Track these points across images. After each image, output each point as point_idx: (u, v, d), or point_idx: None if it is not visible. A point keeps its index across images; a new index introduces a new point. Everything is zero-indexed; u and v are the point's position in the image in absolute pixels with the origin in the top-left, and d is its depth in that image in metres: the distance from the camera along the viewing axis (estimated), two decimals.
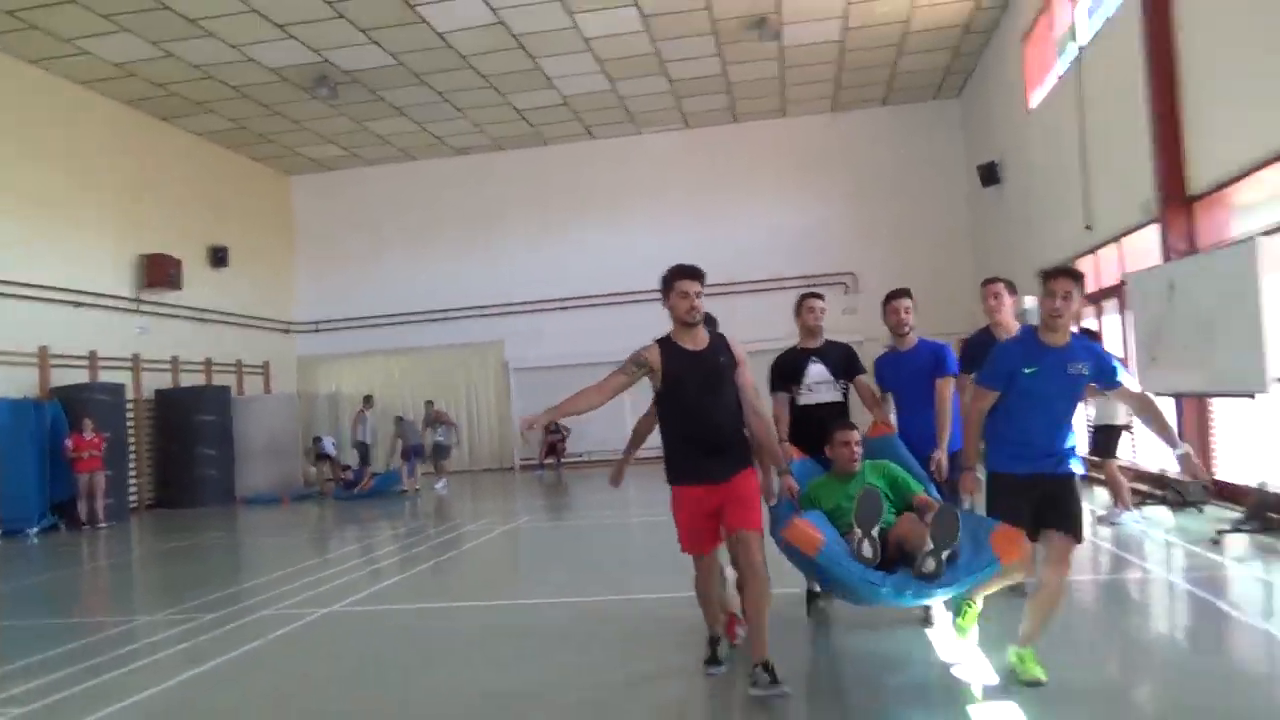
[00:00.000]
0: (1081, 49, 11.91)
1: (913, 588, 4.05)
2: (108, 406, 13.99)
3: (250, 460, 17.00)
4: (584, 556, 9.09)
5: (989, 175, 16.78)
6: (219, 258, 18.23)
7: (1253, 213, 8.40)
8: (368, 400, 17.82)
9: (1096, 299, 11.97)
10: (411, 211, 21.07)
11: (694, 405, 4.28)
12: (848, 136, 19.88)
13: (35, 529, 12.62)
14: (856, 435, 4.82)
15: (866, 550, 4.18)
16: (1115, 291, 11.37)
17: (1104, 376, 4.18)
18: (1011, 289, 5.59)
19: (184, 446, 15.80)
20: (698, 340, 4.37)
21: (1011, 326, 5.44)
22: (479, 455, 20.58)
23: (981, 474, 4.43)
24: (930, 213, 19.39)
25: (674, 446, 4.38)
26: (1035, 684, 4.02)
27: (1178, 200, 9.39)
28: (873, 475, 4.81)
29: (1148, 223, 9.99)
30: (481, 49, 15.49)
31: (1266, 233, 7.28)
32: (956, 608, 4.58)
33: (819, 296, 5.63)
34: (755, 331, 18.45)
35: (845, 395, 5.46)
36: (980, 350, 5.12)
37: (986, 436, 4.29)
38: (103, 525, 13.01)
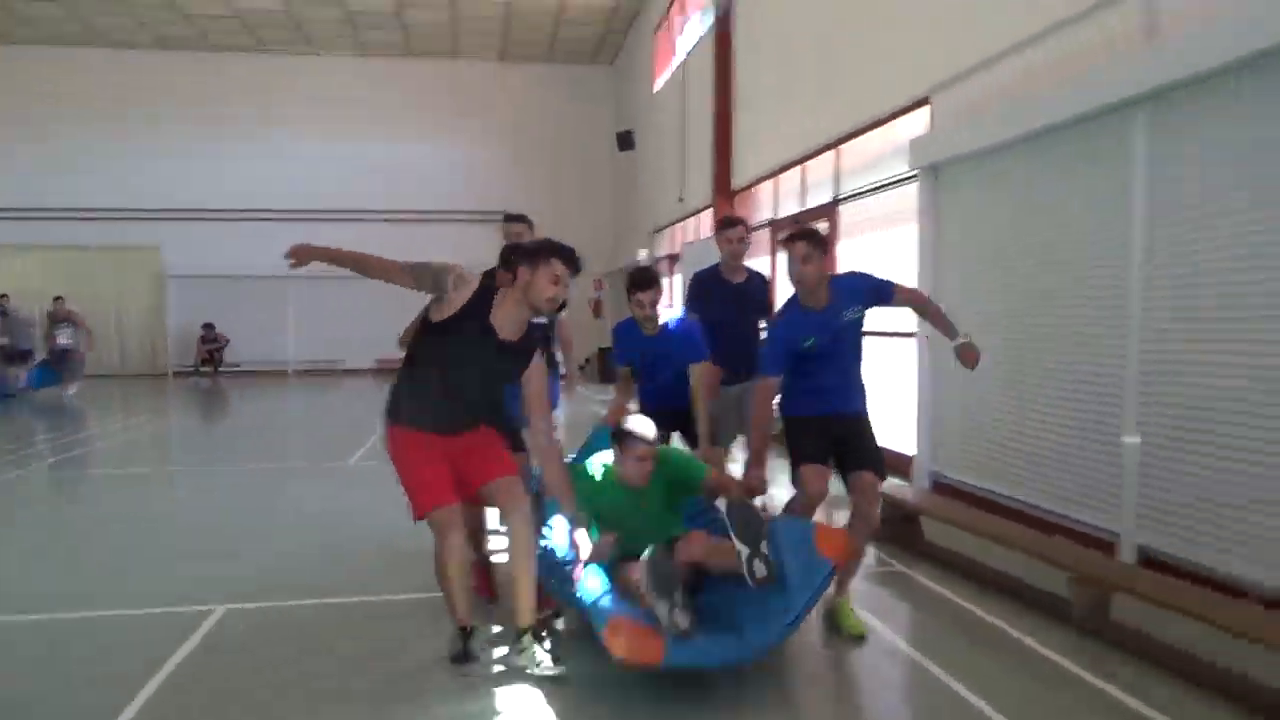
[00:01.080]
0: (686, 56, 14.76)
1: (757, 628, 3.32)
2: None
3: None
4: (240, 445, 10.56)
5: (624, 141, 19.50)
6: None
7: (766, 207, 11.60)
8: (3, 298, 17.18)
9: (673, 260, 15.11)
10: (54, 100, 19.96)
11: (459, 379, 3.46)
12: (514, 86, 21.80)
13: None
14: (654, 451, 3.83)
15: (681, 621, 3.26)
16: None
17: (880, 297, 4.05)
18: (748, 229, 5.39)
19: None
20: (519, 324, 3.49)
21: (741, 270, 5.29)
22: (130, 361, 20.53)
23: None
24: (582, 165, 21.91)
25: (414, 392, 3.50)
26: (860, 638, 3.86)
27: (725, 191, 12.47)
28: (657, 486, 3.88)
29: (707, 205, 13.05)
30: None
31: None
32: (829, 617, 4.07)
33: (521, 220, 5.12)
34: (424, 256, 20.14)
35: (551, 326, 5.01)
36: (709, 287, 5.17)
37: (781, 391, 4.11)
38: None
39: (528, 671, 3.40)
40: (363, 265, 3.38)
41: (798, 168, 10.00)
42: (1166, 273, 4.49)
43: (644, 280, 4.61)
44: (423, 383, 3.48)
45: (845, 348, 4.07)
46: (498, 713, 3.21)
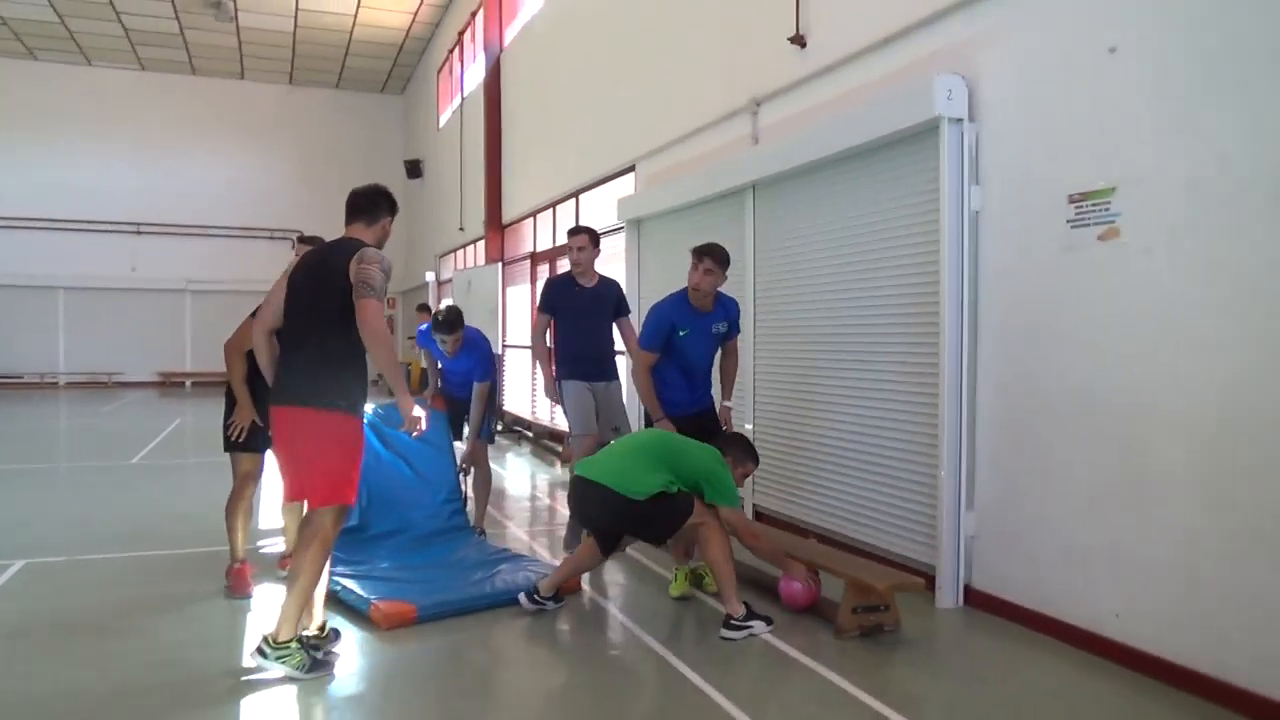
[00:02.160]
0: (463, 99, 16.16)
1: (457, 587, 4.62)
2: None
3: None
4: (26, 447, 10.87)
5: (413, 170, 20.66)
6: None
7: (528, 240, 13.16)
8: None
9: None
10: None
11: None
12: (304, 108, 22.42)
13: None
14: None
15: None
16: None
17: (732, 331, 5.05)
18: (595, 240, 5.79)
19: None
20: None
21: (592, 275, 5.79)
22: None
23: None
24: None
25: (359, 374, 3.70)
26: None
27: (496, 224, 13.94)
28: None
29: (480, 237, 14.48)
30: None
31: (506, 262, 11.96)
32: (698, 579, 4.87)
33: (315, 241, 5.13)
34: (209, 272, 20.57)
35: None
36: (559, 292, 5.71)
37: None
38: None
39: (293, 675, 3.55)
40: (387, 342, 3.57)
41: (550, 210, 11.63)
42: (767, 304, 6.35)
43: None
44: (362, 362, 3.61)
45: (706, 353, 4.97)
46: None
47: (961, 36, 4.55)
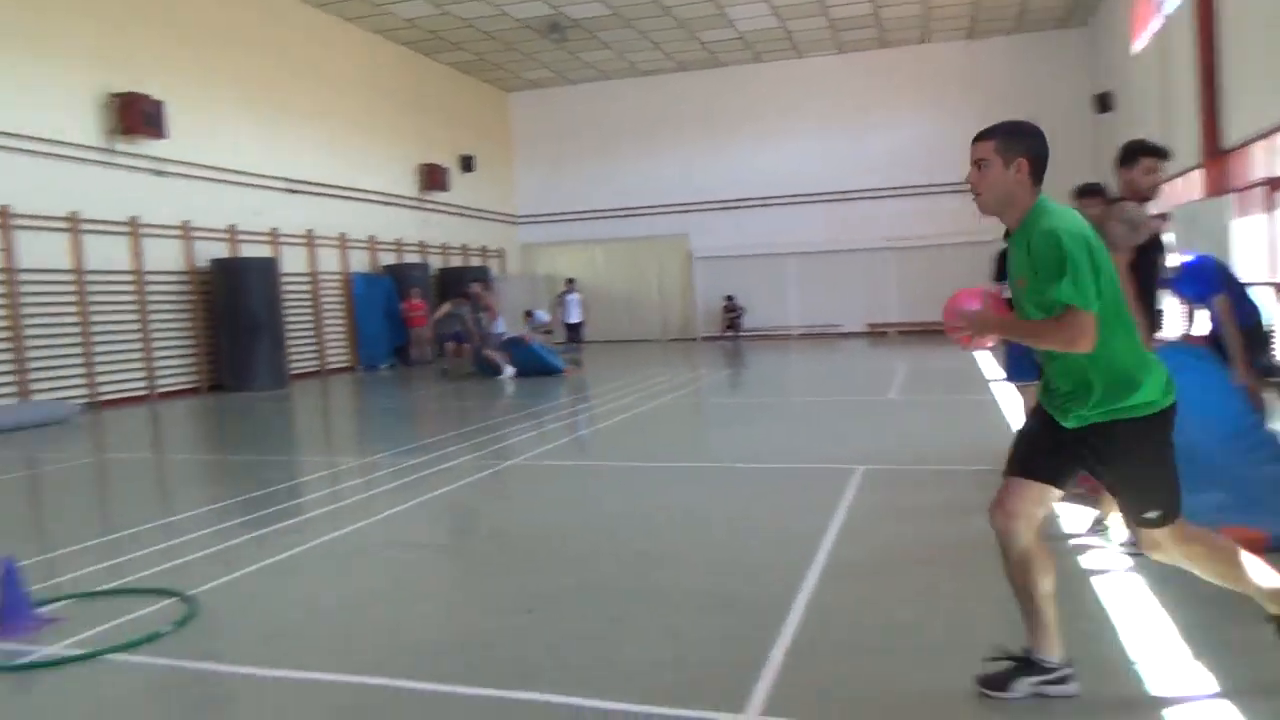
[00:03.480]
0: (1166, 18, 15.22)
1: None
2: (420, 280, 19.59)
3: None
4: (793, 385, 13.90)
5: (1103, 104, 19.93)
6: (468, 164, 23.34)
7: (1260, 166, 12.10)
8: (570, 282, 20.95)
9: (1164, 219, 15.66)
10: (607, 122, 25.62)
11: None
12: (981, 61, 23.08)
13: (385, 365, 18.52)
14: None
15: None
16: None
17: None
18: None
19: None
20: None
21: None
22: (670, 329, 25.81)
23: None
24: (1054, 132, 22.31)
25: None
26: None
27: (1213, 153, 13.05)
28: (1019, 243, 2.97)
29: (1195, 166, 13.67)
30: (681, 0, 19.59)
31: (1237, 190, 11.18)
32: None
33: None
34: (904, 230, 22.90)
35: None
36: None
37: None
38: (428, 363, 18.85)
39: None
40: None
41: None
42: None
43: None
44: None
45: None
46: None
47: None
